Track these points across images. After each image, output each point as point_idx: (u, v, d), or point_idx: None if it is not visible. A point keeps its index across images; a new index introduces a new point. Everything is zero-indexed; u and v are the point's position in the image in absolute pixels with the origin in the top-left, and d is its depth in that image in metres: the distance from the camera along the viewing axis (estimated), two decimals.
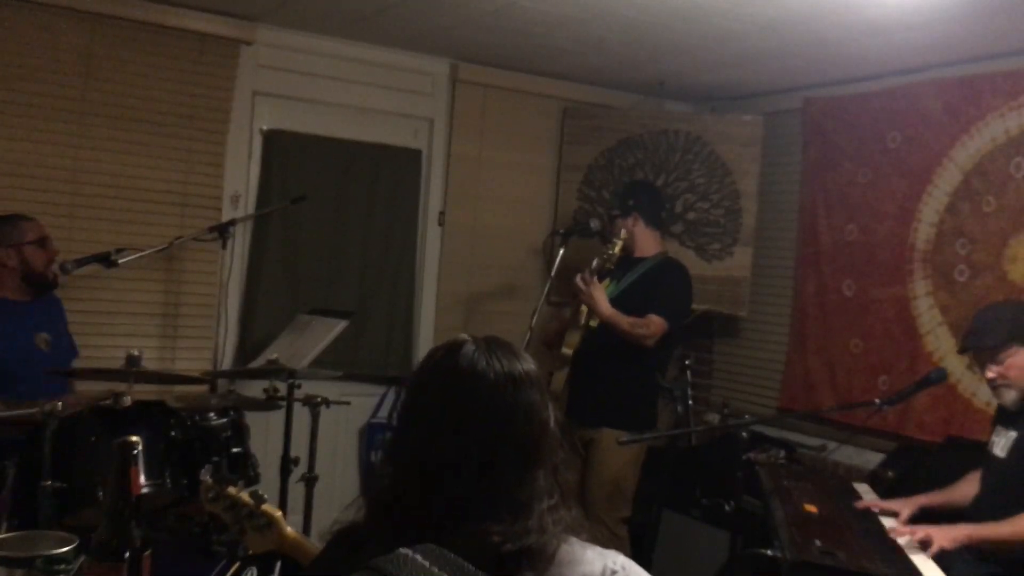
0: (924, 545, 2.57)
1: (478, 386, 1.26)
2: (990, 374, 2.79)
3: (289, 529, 1.78)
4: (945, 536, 2.58)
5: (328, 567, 1.30)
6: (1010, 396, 2.78)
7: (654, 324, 3.69)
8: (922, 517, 2.93)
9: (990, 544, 2.64)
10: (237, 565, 2.01)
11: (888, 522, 2.87)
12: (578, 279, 3.70)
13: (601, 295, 3.69)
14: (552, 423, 1.29)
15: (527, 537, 1.19)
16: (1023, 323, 2.76)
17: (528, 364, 1.31)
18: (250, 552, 1.84)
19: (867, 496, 3.15)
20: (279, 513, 1.80)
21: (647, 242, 3.92)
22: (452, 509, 1.20)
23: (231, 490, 1.84)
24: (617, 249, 3.76)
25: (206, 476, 1.89)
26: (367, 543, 1.22)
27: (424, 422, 1.28)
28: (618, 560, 1.25)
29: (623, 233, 3.80)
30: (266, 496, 1.81)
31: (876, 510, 2.98)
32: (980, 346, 2.84)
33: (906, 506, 2.95)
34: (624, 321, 3.67)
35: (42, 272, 3.37)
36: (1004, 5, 3.20)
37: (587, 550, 1.25)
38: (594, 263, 3.76)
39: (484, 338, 1.33)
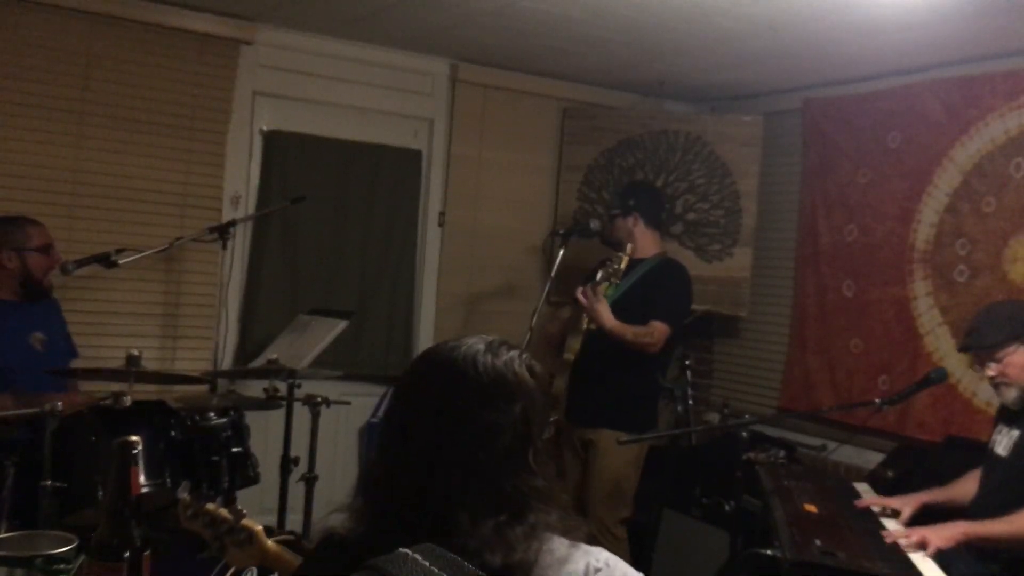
0: (920, 548, 2.57)
1: (417, 378, 1.29)
2: (990, 372, 2.80)
3: (270, 543, 1.77)
4: (941, 536, 2.58)
5: (318, 569, 1.31)
6: (1011, 394, 2.79)
7: (658, 331, 3.68)
8: (922, 515, 2.93)
9: (986, 542, 2.64)
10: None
11: (888, 523, 2.87)
12: (579, 295, 3.65)
13: (604, 309, 3.63)
14: (506, 437, 1.23)
15: (518, 543, 1.17)
16: (1022, 322, 2.76)
17: (502, 361, 1.27)
18: (232, 569, 1.83)
19: (867, 496, 3.15)
20: (259, 527, 1.78)
21: (646, 243, 3.91)
22: (443, 506, 1.20)
23: (209, 506, 1.82)
24: (623, 264, 3.70)
25: (183, 493, 1.88)
26: (355, 545, 1.22)
27: (415, 422, 1.28)
28: (601, 557, 1.25)
29: (629, 248, 3.73)
30: (245, 511, 1.80)
31: (877, 508, 2.99)
32: (980, 345, 2.85)
33: (907, 504, 2.95)
34: (628, 332, 3.65)
35: (40, 279, 3.36)
36: (1004, 5, 3.20)
37: (569, 549, 1.24)
38: (598, 275, 3.69)
39: (486, 337, 1.32)
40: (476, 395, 1.24)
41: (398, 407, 1.31)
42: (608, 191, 4.83)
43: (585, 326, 3.78)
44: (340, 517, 1.29)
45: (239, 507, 1.81)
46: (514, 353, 1.30)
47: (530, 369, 1.30)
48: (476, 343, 1.29)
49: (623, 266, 3.70)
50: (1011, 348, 2.74)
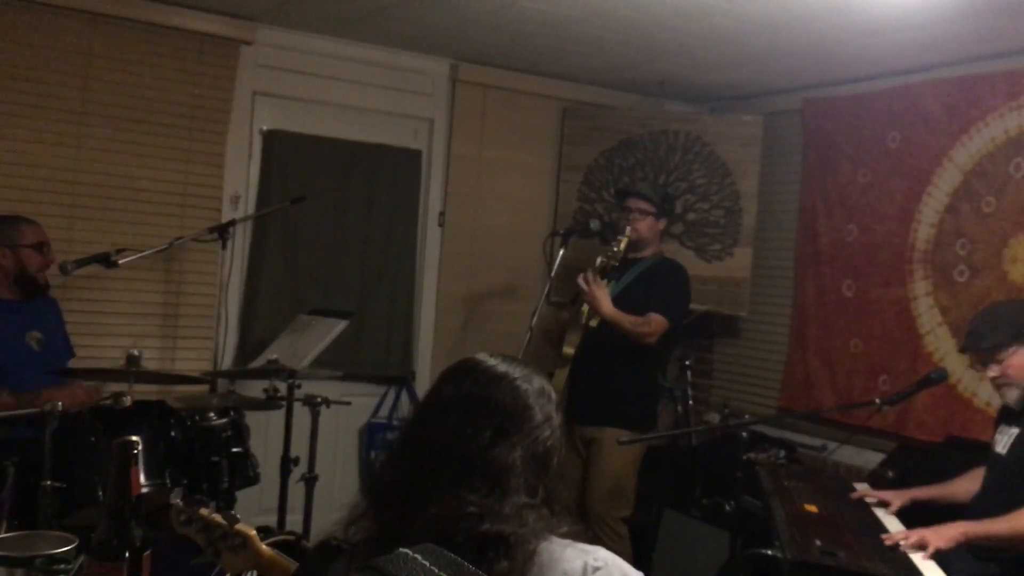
0: (920, 548, 2.57)
1: (469, 367, 1.34)
2: (991, 373, 2.82)
3: (264, 547, 1.77)
4: (940, 537, 2.58)
5: (315, 570, 1.32)
6: (1012, 395, 2.81)
7: (655, 322, 3.71)
8: (922, 513, 2.94)
9: (987, 541, 2.64)
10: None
11: (888, 523, 2.88)
12: (580, 279, 3.69)
13: (603, 295, 3.69)
14: (538, 415, 1.31)
15: (505, 523, 1.19)
16: (1022, 322, 2.77)
17: (530, 373, 1.36)
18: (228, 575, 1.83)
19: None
20: (253, 532, 1.78)
21: (654, 244, 3.93)
22: (431, 478, 1.24)
23: (203, 512, 1.81)
24: (623, 246, 3.75)
25: (176, 499, 1.87)
26: (351, 548, 1.23)
27: (421, 402, 1.37)
28: (600, 555, 1.25)
29: (629, 231, 3.79)
30: (239, 516, 1.80)
31: (872, 500, 3.02)
32: (979, 346, 2.87)
33: (897, 497, 2.99)
34: (626, 320, 3.68)
35: (34, 276, 3.37)
36: (1004, 5, 3.20)
37: (567, 548, 1.24)
38: (598, 261, 3.75)
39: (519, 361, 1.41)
40: (479, 370, 1.31)
41: (430, 413, 1.34)
42: (608, 191, 4.83)
43: (584, 321, 3.79)
44: (340, 519, 1.31)
45: (233, 512, 1.81)
46: (540, 386, 1.36)
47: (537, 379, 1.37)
48: (515, 367, 1.36)
49: (623, 247, 3.74)
50: (1011, 349, 2.76)
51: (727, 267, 4.73)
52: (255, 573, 1.86)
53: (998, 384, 2.83)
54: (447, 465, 1.24)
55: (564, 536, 1.25)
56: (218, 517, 1.80)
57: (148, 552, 1.48)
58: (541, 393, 1.33)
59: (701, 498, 3.84)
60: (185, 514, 1.82)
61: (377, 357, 4.51)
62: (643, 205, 3.89)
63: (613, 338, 3.71)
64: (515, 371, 1.33)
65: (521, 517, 1.21)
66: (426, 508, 1.20)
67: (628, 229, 3.80)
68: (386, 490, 1.28)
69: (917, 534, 2.61)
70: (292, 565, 1.75)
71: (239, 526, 1.78)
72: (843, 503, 3.00)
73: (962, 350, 3.09)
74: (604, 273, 3.75)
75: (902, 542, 2.60)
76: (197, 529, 1.81)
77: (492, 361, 1.34)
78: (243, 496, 3.35)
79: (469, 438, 1.25)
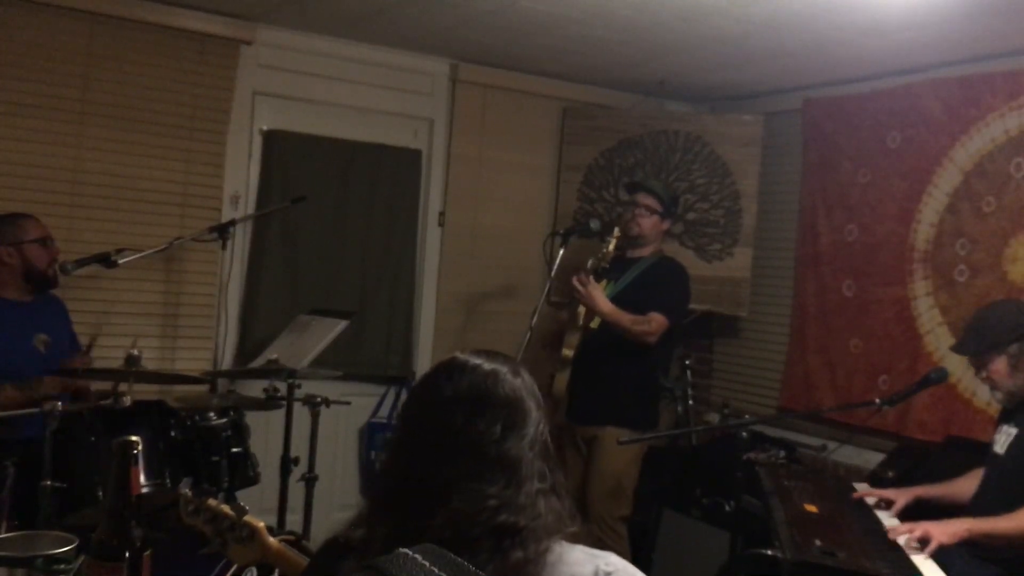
0: (923, 542, 2.57)
1: (459, 365, 1.34)
2: (980, 376, 2.93)
3: (272, 539, 1.76)
4: (944, 532, 2.58)
5: (322, 570, 1.31)
6: (998, 395, 2.92)
7: (655, 321, 3.70)
8: (921, 511, 2.94)
9: (990, 538, 2.65)
10: (237, 565, 2.00)
11: (888, 521, 2.88)
12: (574, 280, 3.69)
13: (599, 294, 3.69)
14: (532, 405, 1.32)
15: (521, 513, 1.20)
16: (1002, 330, 2.84)
17: (515, 366, 1.37)
18: (233, 568, 1.82)
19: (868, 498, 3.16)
20: (261, 524, 1.77)
21: (655, 243, 3.94)
22: (447, 474, 1.24)
23: (211, 502, 1.80)
24: (611, 247, 3.76)
25: (185, 489, 1.87)
26: (362, 546, 1.23)
27: (416, 403, 1.37)
28: (611, 560, 1.25)
29: (616, 232, 3.80)
30: (247, 507, 1.80)
31: (872, 500, 3.03)
32: (965, 352, 2.99)
33: (901, 496, 3.01)
34: (625, 318, 3.67)
35: (43, 271, 3.36)
36: (1004, 5, 3.20)
37: (575, 551, 1.25)
38: (589, 263, 3.77)
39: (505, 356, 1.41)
40: (502, 406, 1.30)
41: (432, 412, 1.34)
42: (608, 191, 4.83)
43: (581, 322, 3.79)
44: (347, 518, 1.30)
45: (241, 503, 1.80)
46: (528, 378, 1.37)
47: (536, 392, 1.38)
48: (500, 362, 1.35)
49: (611, 248, 3.75)
50: (992, 355, 2.84)
51: (727, 267, 4.73)
52: (254, 571, 1.86)
53: (988, 385, 2.93)
54: (461, 462, 1.24)
55: (569, 538, 1.26)
56: (226, 508, 1.79)
57: (148, 552, 1.48)
58: (527, 384, 1.36)
59: (701, 498, 3.84)
60: (193, 504, 1.82)
61: (377, 357, 4.51)
62: (651, 202, 3.88)
63: (613, 338, 3.71)
64: (502, 366, 1.35)
65: (535, 506, 1.23)
66: (446, 504, 1.20)
67: (616, 230, 3.81)
68: (393, 490, 1.28)
69: (921, 528, 2.61)
70: (300, 559, 1.74)
71: (247, 518, 1.77)
72: (843, 503, 3.00)
73: (952, 350, 3.16)
74: (596, 274, 3.75)
75: (903, 537, 2.60)
76: (205, 520, 1.80)
77: (478, 359, 1.35)
78: (243, 496, 3.34)
79: (481, 434, 1.26)
